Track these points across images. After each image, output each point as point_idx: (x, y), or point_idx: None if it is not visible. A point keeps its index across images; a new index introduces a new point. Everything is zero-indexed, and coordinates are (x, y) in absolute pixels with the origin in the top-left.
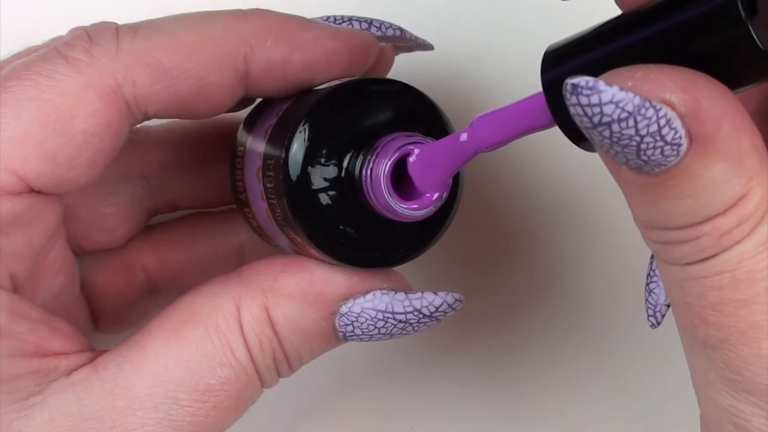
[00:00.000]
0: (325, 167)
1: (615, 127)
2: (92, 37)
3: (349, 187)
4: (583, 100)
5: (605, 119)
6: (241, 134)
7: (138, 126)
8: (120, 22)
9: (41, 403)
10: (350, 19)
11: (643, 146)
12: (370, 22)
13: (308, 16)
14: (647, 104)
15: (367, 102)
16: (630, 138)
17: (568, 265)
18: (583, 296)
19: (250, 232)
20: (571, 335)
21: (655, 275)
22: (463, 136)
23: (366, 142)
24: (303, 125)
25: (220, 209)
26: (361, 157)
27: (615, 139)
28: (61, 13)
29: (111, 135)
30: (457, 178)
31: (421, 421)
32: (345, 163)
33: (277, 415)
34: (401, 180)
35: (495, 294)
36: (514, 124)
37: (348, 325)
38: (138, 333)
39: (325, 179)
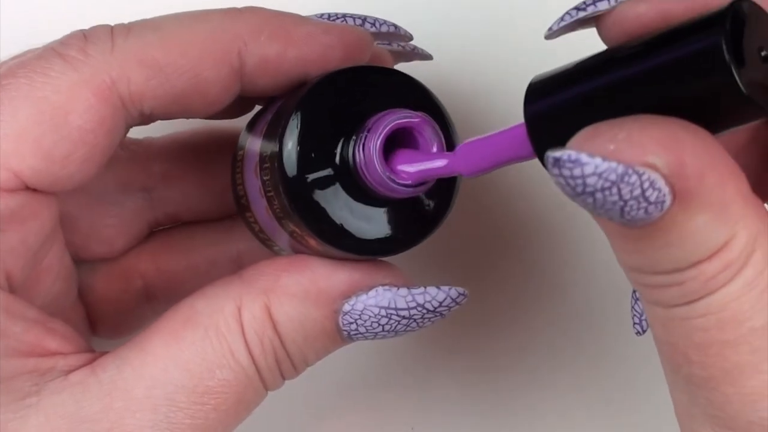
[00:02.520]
0: (320, 154)
1: (599, 195)
2: (87, 36)
3: (345, 172)
4: (566, 173)
5: (588, 189)
6: (242, 139)
7: (140, 138)
8: (119, 22)
9: (37, 404)
10: (344, 15)
11: (627, 209)
12: (363, 18)
13: (302, 14)
14: (630, 171)
15: (358, 88)
16: (613, 203)
17: (569, 265)
18: (584, 296)
19: (250, 241)
20: (571, 335)
21: None
22: (443, 162)
23: (358, 126)
24: (295, 114)
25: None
26: (353, 138)
27: (599, 205)
28: (61, 13)
29: (106, 131)
30: None
31: (421, 421)
32: (339, 148)
33: (277, 415)
34: (395, 160)
35: (496, 294)
36: (496, 155)
37: (351, 323)
38: (138, 335)
39: (321, 166)
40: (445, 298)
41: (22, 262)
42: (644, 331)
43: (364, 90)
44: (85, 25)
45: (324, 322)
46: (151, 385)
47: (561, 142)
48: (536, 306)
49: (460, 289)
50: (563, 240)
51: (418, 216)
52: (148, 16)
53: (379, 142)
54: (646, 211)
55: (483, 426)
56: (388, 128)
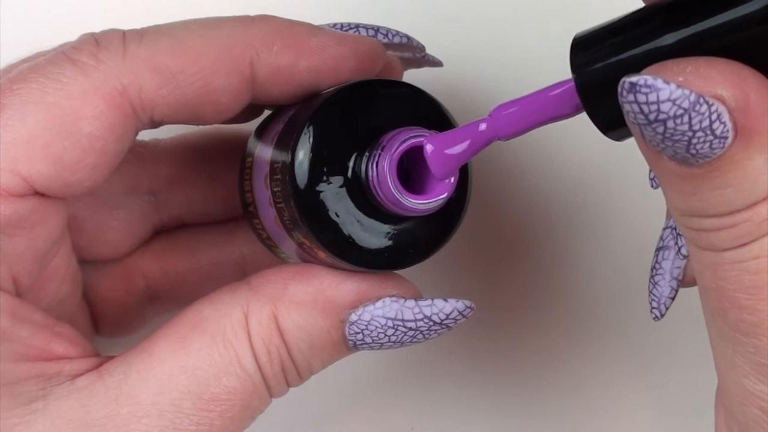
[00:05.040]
0: (332, 167)
1: (670, 123)
2: (99, 41)
3: (356, 186)
4: (641, 98)
5: (661, 116)
6: (250, 145)
7: (146, 140)
8: (120, 25)
9: (44, 409)
10: (357, 26)
11: (694, 141)
12: (376, 29)
13: (315, 23)
14: (701, 100)
15: (371, 102)
16: (683, 134)
17: (569, 267)
18: (584, 298)
19: (253, 244)
20: (572, 336)
21: (660, 268)
22: (482, 126)
23: (371, 141)
24: (308, 127)
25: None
26: (366, 154)
27: (668, 135)
28: (63, 16)
29: (116, 138)
30: (466, 181)
31: (421, 421)
32: (351, 162)
33: (276, 415)
34: (408, 177)
35: (496, 295)
36: (535, 114)
37: (358, 333)
38: (145, 340)
39: (333, 179)
40: (452, 311)
41: (29, 266)
42: (662, 316)
43: (377, 104)
44: (85, 25)
45: (330, 331)
46: (158, 391)
47: (609, 97)
48: (537, 306)
49: (467, 302)
50: (565, 242)
51: (427, 230)
52: (146, 16)
53: (392, 161)
54: (711, 145)
55: (483, 426)
56: (401, 147)
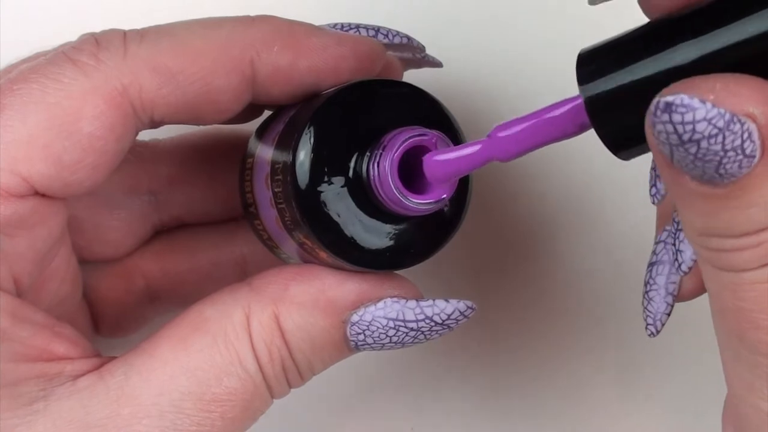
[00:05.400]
0: (333, 167)
1: (704, 143)
2: (100, 41)
3: (357, 186)
4: (677, 118)
5: (696, 136)
6: (251, 146)
7: (146, 140)
8: (120, 25)
9: (45, 409)
10: (357, 26)
11: (725, 161)
12: (377, 29)
13: (315, 23)
14: (735, 119)
15: (372, 102)
16: (715, 153)
17: (569, 268)
18: (584, 298)
19: (254, 244)
20: (572, 336)
21: (654, 283)
22: (477, 148)
23: (372, 141)
24: (309, 127)
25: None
26: (368, 153)
27: (700, 155)
28: (63, 16)
29: (116, 138)
30: (466, 181)
31: (421, 421)
32: (352, 162)
33: (275, 415)
34: (410, 177)
35: (496, 295)
36: (537, 137)
37: (359, 333)
38: (146, 341)
39: (334, 179)
40: (453, 311)
41: (30, 267)
42: (657, 332)
43: (377, 104)
44: (85, 25)
45: (332, 331)
46: (158, 392)
47: (621, 116)
48: (537, 307)
49: (469, 303)
50: (566, 243)
51: (428, 230)
52: (146, 16)
53: (394, 161)
54: (740, 165)
55: (483, 426)
56: (402, 146)
